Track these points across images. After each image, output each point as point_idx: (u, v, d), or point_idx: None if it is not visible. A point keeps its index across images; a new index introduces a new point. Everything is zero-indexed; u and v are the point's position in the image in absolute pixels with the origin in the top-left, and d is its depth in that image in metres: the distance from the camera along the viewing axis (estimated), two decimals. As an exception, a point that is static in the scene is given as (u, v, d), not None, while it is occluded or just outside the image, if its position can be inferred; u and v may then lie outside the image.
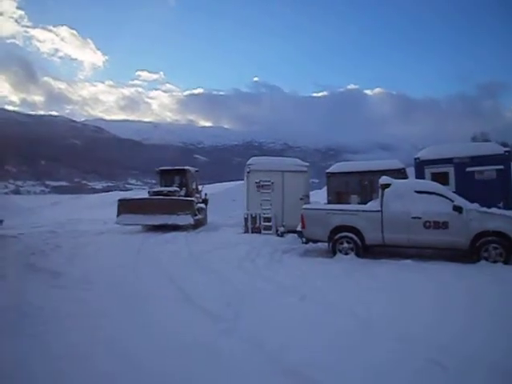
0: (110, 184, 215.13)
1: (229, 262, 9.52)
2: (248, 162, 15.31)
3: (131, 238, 14.36)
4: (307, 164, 15.78)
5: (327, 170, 14.80)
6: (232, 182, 39.23)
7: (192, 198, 17.12)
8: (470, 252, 9.35)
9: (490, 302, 6.12)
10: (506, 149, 12.77)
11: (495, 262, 9.02)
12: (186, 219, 15.79)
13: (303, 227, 10.62)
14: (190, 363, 4.09)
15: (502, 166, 12.18)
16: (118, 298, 6.57)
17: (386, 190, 10.15)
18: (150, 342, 4.67)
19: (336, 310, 5.83)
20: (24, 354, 4.33)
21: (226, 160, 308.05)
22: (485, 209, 9.58)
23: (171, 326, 5.21)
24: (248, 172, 14.92)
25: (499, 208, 10.35)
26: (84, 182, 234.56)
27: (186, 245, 12.43)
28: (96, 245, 12.62)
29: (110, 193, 46.42)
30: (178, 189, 17.93)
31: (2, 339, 4.72)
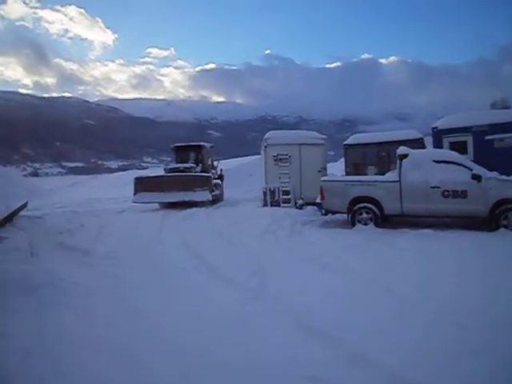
0: (126, 163, 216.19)
1: (250, 235, 9.75)
2: (265, 137, 15.36)
3: (151, 215, 14.65)
4: (324, 136, 15.79)
5: (345, 142, 14.81)
6: (248, 157, 39.18)
7: (209, 174, 16.97)
8: (489, 220, 9.42)
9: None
10: None
11: (515, 229, 9.06)
12: (203, 195, 15.62)
13: (322, 199, 10.75)
14: (221, 330, 4.34)
15: None
16: (147, 272, 6.88)
17: (403, 160, 10.20)
18: (180, 312, 4.93)
19: (358, 277, 6.03)
20: (63, 323, 4.62)
21: (241, 135, 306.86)
22: (504, 177, 9.60)
23: (200, 296, 5.49)
24: (265, 146, 14.99)
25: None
26: (100, 162, 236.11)
27: (207, 220, 12.68)
28: (118, 223, 12.98)
29: (128, 171, 46.80)
30: (194, 165, 17.73)
31: (42, 311, 4.99)
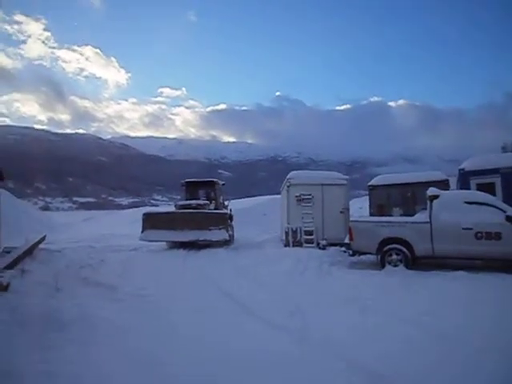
0: (136, 200, 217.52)
1: (278, 276, 9.59)
2: (288, 176, 15.32)
3: (170, 252, 14.44)
4: (346, 177, 15.74)
5: (369, 183, 14.83)
6: (260, 197, 39.26)
7: (225, 211, 16.02)
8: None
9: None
10: None
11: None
12: (219, 234, 14.30)
13: (351, 239, 10.60)
14: (273, 371, 4.14)
15: None
16: (179, 311, 6.68)
17: (434, 201, 10.07)
18: (224, 352, 4.73)
19: (400, 320, 5.81)
20: (99, 361, 4.48)
21: (251, 175, 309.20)
22: (538, 219, 9.41)
23: (240, 339, 5.26)
24: (288, 186, 14.94)
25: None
26: (110, 198, 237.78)
27: (228, 259, 12.44)
28: (138, 259, 12.88)
29: (140, 208, 46.99)
30: (207, 202, 16.70)
31: (78, 348, 4.83)
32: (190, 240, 14.38)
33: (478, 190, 12.10)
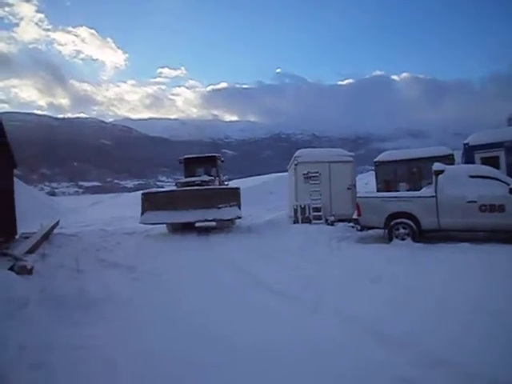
0: (142, 182, 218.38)
1: (290, 251, 9.91)
2: (295, 155, 15.50)
3: (181, 234, 14.37)
4: (352, 154, 15.91)
5: (375, 159, 15.07)
6: (265, 175, 39.39)
7: (237, 186, 14.58)
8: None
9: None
10: None
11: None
12: (231, 212, 13.20)
13: (359, 215, 10.87)
14: (291, 340, 4.44)
15: None
16: (198, 287, 7.03)
17: (439, 175, 10.30)
18: (248, 329, 4.95)
19: (407, 290, 6.05)
20: (131, 336, 4.84)
21: (255, 153, 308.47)
22: (541, 191, 9.63)
23: (254, 309, 5.59)
24: (296, 164, 15.13)
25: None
26: (116, 181, 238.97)
27: (238, 238, 12.64)
28: (152, 241, 13.23)
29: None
30: (213, 177, 15.55)
31: (108, 325, 5.18)
32: (198, 220, 13.47)
33: (482, 163, 12.34)
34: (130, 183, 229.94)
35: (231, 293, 6.48)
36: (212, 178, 15.57)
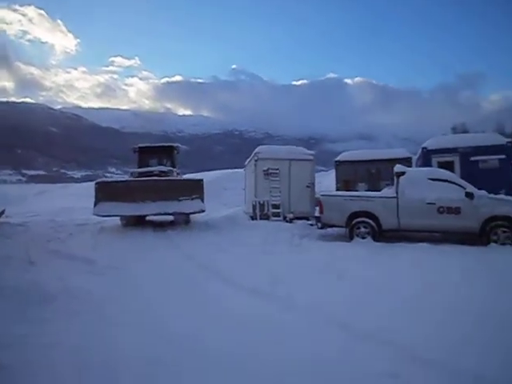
0: (90, 173, 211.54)
1: (251, 247, 9.81)
2: (256, 151, 15.41)
3: (137, 227, 13.64)
4: (313, 152, 16.04)
5: (335, 159, 15.25)
6: (219, 171, 39.11)
7: (201, 178, 13.49)
8: (480, 235, 9.91)
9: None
10: (508, 139, 13.50)
11: (504, 244, 9.63)
12: (193, 205, 12.34)
13: (321, 212, 10.98)
14: (257, 335, 4.40)
15: (504, 156, 12.91)
16: (154, 281, 6.86)
17: (400, 177, 10.56)
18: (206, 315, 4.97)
19: (375, 286, 6.21)
20: (95, 331, 4.59)
21: (208, 149, 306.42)
22: (493, 195, 10.19)
23: (229, 307, 5.42)
24: (256, 160, 15.06)
25: (501, 195, 10.94)
26: (62, 171, 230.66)
27: (196, 235, 12.08)
28: (107, 232, 12.73)
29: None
30: (172, 168, 14.75)
31: (71, 320, 4.90)
32: (157, 213, 12.61)
33: (438, 167, 12.78)
34: (77, 173, 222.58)
35: (201, 291, 6.28)
36: (171, 168, 14.72)
